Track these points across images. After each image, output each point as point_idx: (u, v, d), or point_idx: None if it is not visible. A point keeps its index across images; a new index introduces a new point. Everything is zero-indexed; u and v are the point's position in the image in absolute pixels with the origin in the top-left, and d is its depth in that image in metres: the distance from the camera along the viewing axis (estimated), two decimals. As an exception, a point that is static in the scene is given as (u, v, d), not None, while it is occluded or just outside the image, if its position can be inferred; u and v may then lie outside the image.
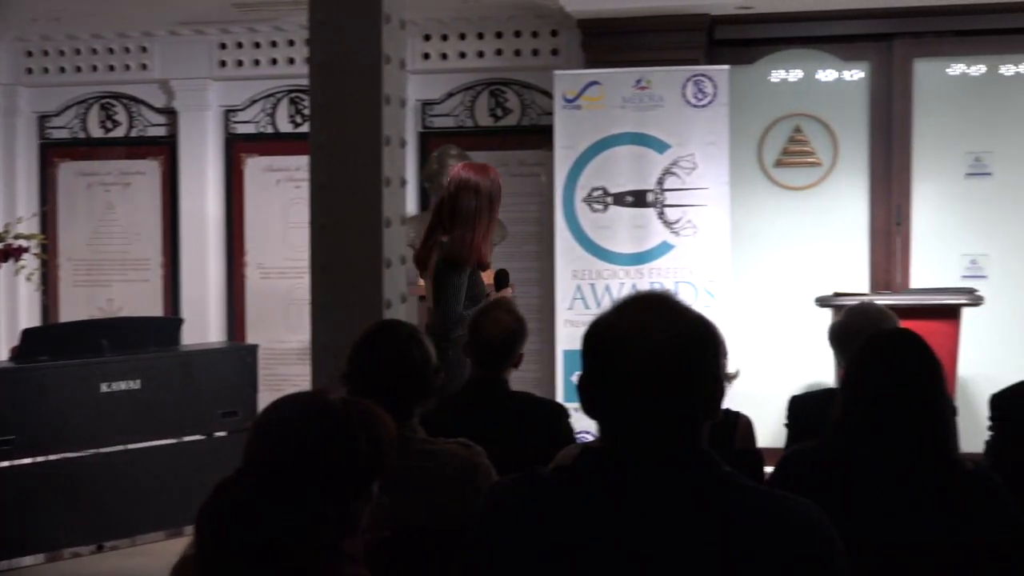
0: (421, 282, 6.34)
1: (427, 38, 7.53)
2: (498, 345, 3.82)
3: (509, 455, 3.15)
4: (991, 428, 3.75)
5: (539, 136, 7.30)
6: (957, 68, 7.01)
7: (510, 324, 3.87)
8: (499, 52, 7.49)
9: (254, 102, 7.90)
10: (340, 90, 4.03)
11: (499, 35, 7.47)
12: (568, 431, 3.86)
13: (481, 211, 4.76)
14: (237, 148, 7.92)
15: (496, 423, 3.63)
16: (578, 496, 1.74)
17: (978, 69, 6.98)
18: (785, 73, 7.19)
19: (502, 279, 4.91)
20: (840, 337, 4.03)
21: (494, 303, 4.04)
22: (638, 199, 6.65)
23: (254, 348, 6.55)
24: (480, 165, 4.97)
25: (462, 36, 7.51)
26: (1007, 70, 6.95)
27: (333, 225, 4.04)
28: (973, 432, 4.01)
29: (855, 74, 7.12)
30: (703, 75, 6.62)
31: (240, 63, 7.84)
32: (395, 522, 2.60)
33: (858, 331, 3.78)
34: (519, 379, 4.18)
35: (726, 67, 6.66)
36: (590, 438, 4.40)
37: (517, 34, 7.45)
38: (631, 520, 1.69)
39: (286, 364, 7.64)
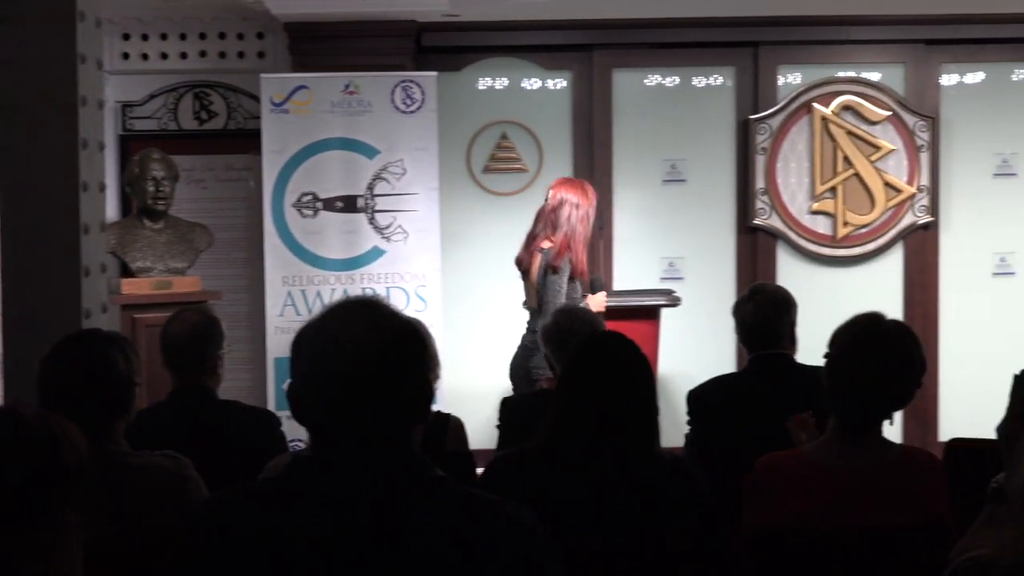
0: (125, 290, 6.11)
1: (127, 37, 7.25)
2: (184, 345, 3.73)
3: (219, 466, 3.08)
4: (689, 423, 3.93)
5: (246, 140, 7.14)
6: (653, 79, 7.32)
7: (198, 323, 3.78)
8: (203, 54, 7.29)
9: (-64, 101, 7.41)
10: (31, 91, 3.85)
11: (203, 36, 7.27)
12: (280, 439, 3.80)
13: (579, 224, 5.48)
14: (-82, 150, 7.40)
15: (204, 433, 3.55)
16: (289, 507, 1.71)
17: (672, 80, 7.31)
18: (491, 81, 7.32)
19: (596, 284, 5.67)
20: (553, 339, 4.13)
21: (185, 308, 3.95)
22: (348, 204, 6.62)
23: (-61, 364, 6.15)
24: (578, 182, 5.73)
25: (164, 36, 7.27)
26: (699, 81, 7.31)
27: (26, 231, 3.85)
28: (672, 427, 4.20)
29: (558, 83, 7.32)
30: (411, 81, 6.66)
31: (-80, 59, 7.34)
32: (100, 538, 2.50)
33: (571, 333, 3.90)
34: (229, 387, 4.08)
35: (434, 74, 6.72)
36: (303, 446, 4.35)
37: (222, 35, 7.27)
38: (343, 528, 1.67)
39: (-24, 380, 7.20)
